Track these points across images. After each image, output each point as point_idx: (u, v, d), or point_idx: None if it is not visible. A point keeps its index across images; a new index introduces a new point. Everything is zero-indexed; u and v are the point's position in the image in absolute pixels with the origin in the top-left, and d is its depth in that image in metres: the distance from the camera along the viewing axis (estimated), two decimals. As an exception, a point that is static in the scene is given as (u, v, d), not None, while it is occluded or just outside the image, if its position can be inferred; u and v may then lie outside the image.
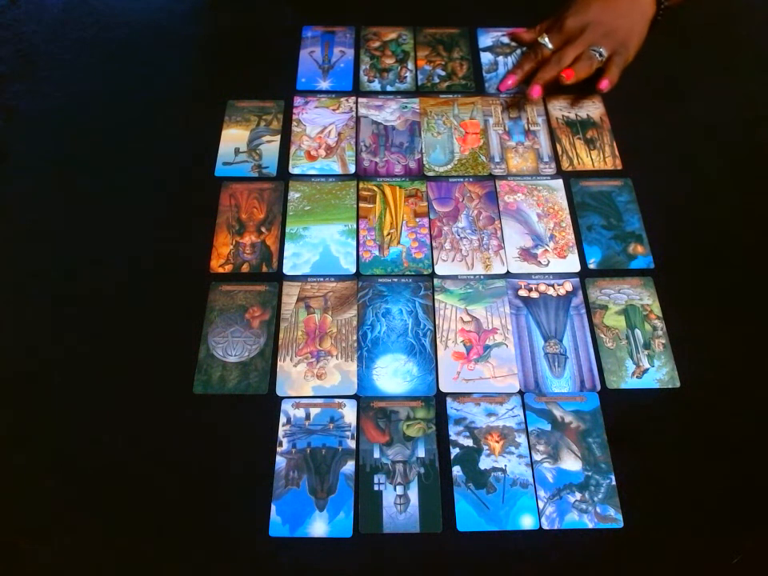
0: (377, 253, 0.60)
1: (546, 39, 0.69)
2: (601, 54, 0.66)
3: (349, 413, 0.51)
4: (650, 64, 0.71)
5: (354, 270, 0.59)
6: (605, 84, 0.65)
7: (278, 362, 0.54)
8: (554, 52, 0.68)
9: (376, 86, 0.72)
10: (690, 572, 0.46)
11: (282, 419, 0.51)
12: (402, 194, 0.63)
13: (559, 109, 0.70)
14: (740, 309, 0.57)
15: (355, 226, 0.61)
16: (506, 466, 0.49)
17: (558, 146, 0.67)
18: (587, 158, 0.66)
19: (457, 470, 0.49)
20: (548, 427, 0.51)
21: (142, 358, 0.53)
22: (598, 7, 0.68)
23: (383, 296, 0.57)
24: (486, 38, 0.76)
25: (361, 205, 0.63)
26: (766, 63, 0.75)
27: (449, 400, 0.52)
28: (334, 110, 0.70)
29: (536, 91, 0.66)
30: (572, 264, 0.59)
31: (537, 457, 0.50)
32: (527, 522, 0.47)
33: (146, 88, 0.71)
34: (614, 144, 0.67)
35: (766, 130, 0.69)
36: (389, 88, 0.72)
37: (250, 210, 0.62)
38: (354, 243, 0.60)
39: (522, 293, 0.58)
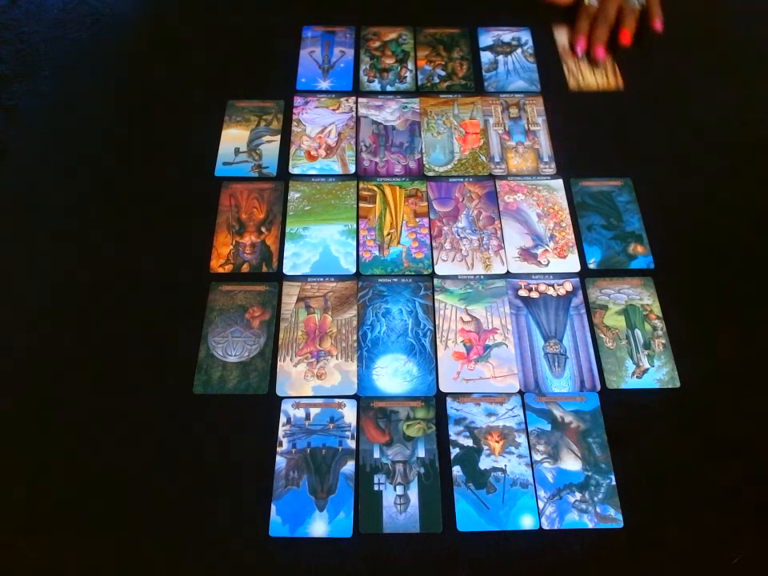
0: (377, 253, 0.60)
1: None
2: (639, 1, 0.68)
3: (349, 413, 0.51)
4: (650, 64, 0.71)
5: (354, 270, 0.59)
6: (658, 24, 0.68)
7: (278, 362, 0.54)
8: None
9: (376, 86, 0.72)
10: (689, 572, 0.46)
11: (282, 419, 0.51)
12: (401, 194, 0.63)
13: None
14: (740, 309, 0.57)
15: (355, 225, 0.61)
16: (505, 466, 0.49)
17: (564, 67, 0.72)
18: (591, 78, 0.71)
19: (457, 470, 0.49)
20: (548, 427, 0.51)
21: (142, 358, 0.53)
22: None
23: (383, 296, 0.57)
24: (486, 38, 0.76)
25: (361, 205, 0.63)
26: (765, 63, 0.75)
27: (449, 400, 0.52)
28: (333, 110, 0.70)
29: (600, 53, 0.70)
30: (572, 264, 0.59)
31: (537, 457, 0.50)
32: (527, 522, 0.47)
33: (145, 88, 0.71)
34: (616, 65, 0.72)
35: (766, 130, 0.69)
36: (389, 88, 0.72)
37: (249, 210, 0.62)
38: (354, 243, 0.60)
39: (522, 293, 0.58)
